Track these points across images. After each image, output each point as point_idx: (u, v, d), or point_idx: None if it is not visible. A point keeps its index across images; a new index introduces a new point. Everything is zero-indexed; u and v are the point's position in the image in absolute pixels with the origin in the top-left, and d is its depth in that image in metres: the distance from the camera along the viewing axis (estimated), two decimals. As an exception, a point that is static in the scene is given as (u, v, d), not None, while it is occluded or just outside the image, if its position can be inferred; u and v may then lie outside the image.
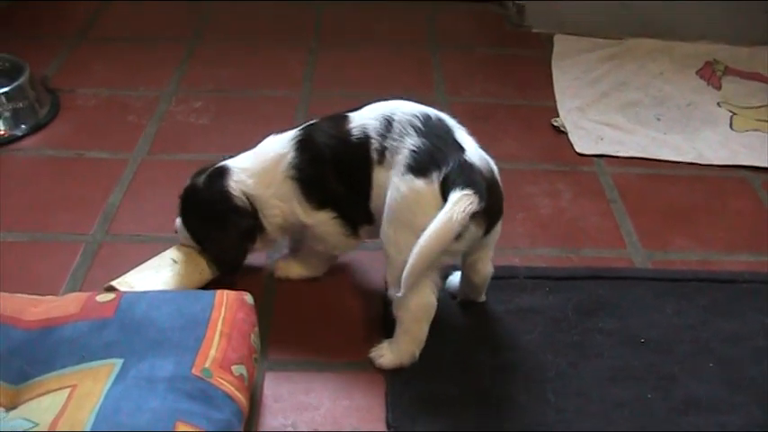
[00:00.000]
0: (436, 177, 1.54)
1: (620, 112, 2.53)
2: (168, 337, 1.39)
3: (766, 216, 2.13)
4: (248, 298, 1.53)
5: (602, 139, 2.39)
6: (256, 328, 1.50)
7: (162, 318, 1.43)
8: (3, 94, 2.31)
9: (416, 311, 1.58)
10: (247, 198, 1.71)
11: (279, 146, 1.73)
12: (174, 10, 3.06)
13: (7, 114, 2.31)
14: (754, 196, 2.20)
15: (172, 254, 1.76)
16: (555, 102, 2.55)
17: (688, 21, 2.94)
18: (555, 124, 2.44)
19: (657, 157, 2.34)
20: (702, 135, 2.44)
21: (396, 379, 1.58)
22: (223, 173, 1.74)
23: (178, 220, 1.80)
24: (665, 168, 2.30)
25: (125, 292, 1.52)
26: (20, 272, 1.81)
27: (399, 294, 1.55)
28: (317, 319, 1.74)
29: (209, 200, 1.73)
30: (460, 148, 1.59)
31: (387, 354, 1.62)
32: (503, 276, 1.83)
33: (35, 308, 1.46)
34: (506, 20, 3.07)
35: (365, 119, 1.66)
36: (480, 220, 1.54)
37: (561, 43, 2.91)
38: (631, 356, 1.67)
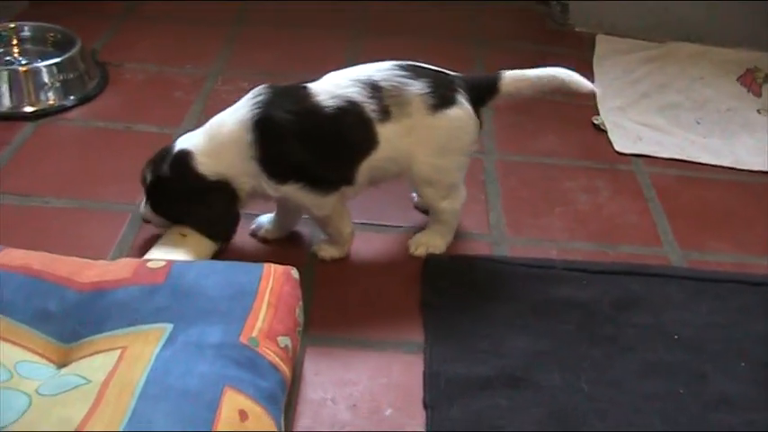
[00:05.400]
0: (464, 99, 1.77)
1: (659, 114, 2.55)
2: (217, 305, 1.42)
3: (802, 223, 2.14)
4: (294, 272, 1.56)
5: (641, 139, 2.41)
6: (301, 303, 1.53)
7: (211, 286, 1.46)
8: (54, 65, 2.34)
9: (460, 210, 1.89)
10: (217, 175, 1.72)
11: (232, 126, 1.71)
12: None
13: (57, 85, 2.34)
14: (790, 203, 2.21)
15: (177, 230, 1.77)
16: (596, 100, 2.56)
17: (728, 27, 2.95)
18: (595, 122, 2.46)
19: (696, 160, 2.35)
20: (741, 140, 2.45)
21: (434, 360, 1.60)
22: (186, 157, 1.72)
23: (145, 210, 1.81)
24: (702, 171, 2.31)
25: (175, 261, 1.55)
26: (68, 237, 1.85)
27: (448, 203, 1.84)
28: (357, 297, 1.77)
29: (183, 184, 1.73)
30: (443, 72, 1.79)
31: (435, 243, 1.89)
32: (541, 266, 1.86)
33: (89, 271, 1.49)
34: (549, 18, 3.09)
35: (339, 89, 1.72)
36: None
37: (603, 43, 2.93)
38: (664, 352, 1.68)
